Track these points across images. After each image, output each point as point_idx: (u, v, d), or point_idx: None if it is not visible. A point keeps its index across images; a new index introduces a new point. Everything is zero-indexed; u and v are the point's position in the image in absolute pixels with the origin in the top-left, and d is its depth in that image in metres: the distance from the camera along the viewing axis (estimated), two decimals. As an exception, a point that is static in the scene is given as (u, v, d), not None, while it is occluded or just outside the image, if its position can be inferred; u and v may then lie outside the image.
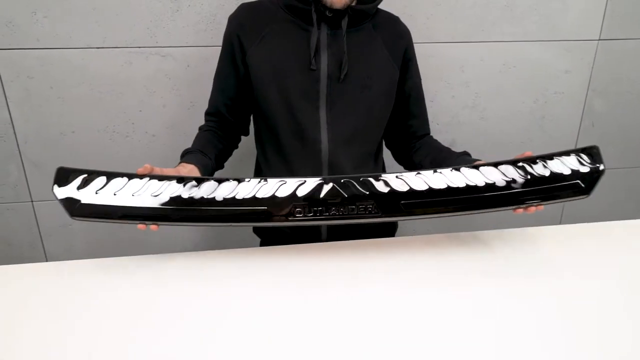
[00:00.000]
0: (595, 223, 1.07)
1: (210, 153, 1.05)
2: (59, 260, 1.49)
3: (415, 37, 1.41)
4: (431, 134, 1.20)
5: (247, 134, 1.17)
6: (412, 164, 1.17)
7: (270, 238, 1.19)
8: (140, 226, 0.85)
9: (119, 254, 0.92)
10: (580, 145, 1.61)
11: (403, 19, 1.38)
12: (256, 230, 1.21)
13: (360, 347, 0.71)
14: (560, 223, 1.76)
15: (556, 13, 1.44)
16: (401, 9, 1.38)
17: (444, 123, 1.53)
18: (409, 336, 0.73)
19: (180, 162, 0.98)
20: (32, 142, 1.36)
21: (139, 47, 1.31)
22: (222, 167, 1.13)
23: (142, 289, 0.83)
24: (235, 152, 1.20)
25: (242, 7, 1.07)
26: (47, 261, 1.49)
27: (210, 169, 1.04)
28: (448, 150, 1.11)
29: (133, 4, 1.26)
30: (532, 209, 0.88)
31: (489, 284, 0.85)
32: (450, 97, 1.50)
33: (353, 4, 1.03)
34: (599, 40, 1.50)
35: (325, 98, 1.03)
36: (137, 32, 1.29)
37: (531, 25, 1.45)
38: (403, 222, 1.53)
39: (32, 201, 1.43)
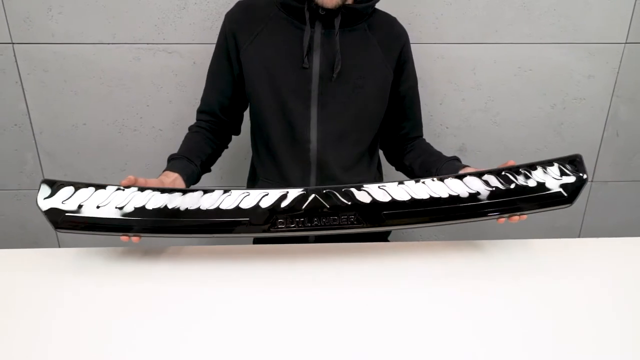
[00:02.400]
0: (612, 238, 1.00)
1: (196, 159, 1.04)
2: (70, 246, 1.56)
3: (424, 38, 1.38)
4: (424, 137, 1.19)
5: (238, 133, 1.17)
6: (402, 166, 1.17)
7: (262, 237, 1.19)
8: (123, 238, 0.84)
9: (126, 243, 0.92)
10: (603, 155, 1.53)
11: (412, 19, 1.35)
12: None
13: (348, 348, 0.70)
14: (579, 236, 1.67)
15: (578, 14, 1.36)
16: (410, 9, 1.35)
17: (453, 127, 1.48)
18: (396, 339, 0.72)
19: (164, 170, 0.98)
20: (46, 132, 1.43)
21: (147, 44, 1.34)
22: (209, 170, 1.12)
23: (139, 279, 0.86)
24: (230, 152, 1.21)
25: (239, 5, 1.08)
26: (59, 247, 1.57)
27: (196, 175, 1.04)
28: (439, 154, 1.10)
29: (142, 1, 1.30)
30: (516, 218, 0.86)
31: (478, 293, 0.82)
32: (461, 100, 1.45)
33: (348, 1, 1.01)
34: (626, 43, 1.40)
35: (316, 97, 1.03)
36: (145, 29, 1.32)
37: (549, 26, 1.37)
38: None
39: (46, 189, 1.50)
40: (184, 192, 0.86)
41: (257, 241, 1.23)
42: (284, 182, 1.09)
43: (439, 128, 1.48)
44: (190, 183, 1.02)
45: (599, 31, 1.39)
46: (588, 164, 1.53)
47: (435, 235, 1.64)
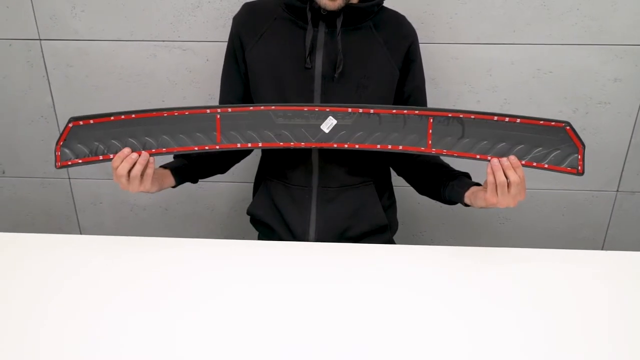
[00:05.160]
0: (637, 252, 0.95)
1: (194, 157, 1.09)
2: (91, 234, 1.64)
3: (437, 38, 1.35)
4: None
5: None
6: (404, 171, 1.15)
7: (266, 233, 1.20)
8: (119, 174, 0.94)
9: (140, 232, 1.06)
10: (630, 163, 1.44)
11: (425, 19, 1.33)
12: (253, 222, 1.23)
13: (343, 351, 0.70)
14: (603, 249, 1.58)
15: (603, 14, 1.29)
16: (423, 8, 1.32)
17: (467, 129, 1.44)
18: (394, 346, 0.71)
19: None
20: (70, 124, 1.50)
21: (163, 41, 1.38)
22: (222, 171, 1.18)
23: (150, 268, 0.90)
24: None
25: (244, 7, 1.11)
26: (80, 234, 1.65)
27: (188, 168, 1.08)
28: (447, 167, 1.09)
29: (158, -1, 1.34)
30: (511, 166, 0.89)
31: (485, 303, 0.80)
32: (475, 102, 1.41)
33: (353, 1, 1.01)
34: (657, 45, 1.32)
35: (319, 97, 1.04)
36: (161, 26, 1.37)
37: (572, 27, 1.31)
38: (409, 228, 1.47)
39: (69, 178, 1.58)
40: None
41: (262, 238, 1.24)
42: (287, 182, 1.10)
43: (452, 130, 1.44)
44: (181, 175, 1.07)
45: (627, 32, 1.31)
46: (613, 172, 1.47)
47: (447, 240, 1.60)
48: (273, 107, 0.96)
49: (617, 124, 1.41)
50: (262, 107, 0.96)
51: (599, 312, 0.77)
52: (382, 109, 0.95)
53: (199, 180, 1.15)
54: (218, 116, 0.96)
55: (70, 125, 0.95)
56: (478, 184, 1.00)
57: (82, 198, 1.61)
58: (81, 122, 0.95)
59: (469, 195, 0.98)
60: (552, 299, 0.80)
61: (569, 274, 0.87)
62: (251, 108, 0.96)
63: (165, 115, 0.96)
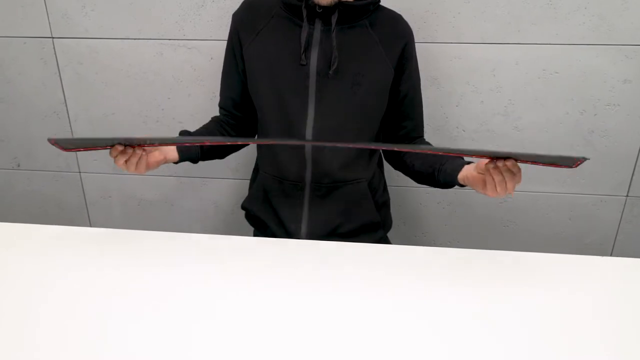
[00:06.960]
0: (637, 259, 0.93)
1: (196, 136, 1.09)
2: (100, 226, 1.69)
3: (440, 37, 1.34)
4: (424, 137, 1.16)
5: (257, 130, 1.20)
6: (402, 165, 1.15)
7: (260, 228, 1.22)
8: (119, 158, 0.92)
9: (146, 225, 1.12)
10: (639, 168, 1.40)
11: (427, 18, 1.32)
12: (248, 217, 1.25)
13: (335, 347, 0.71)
14: (611, 255, 1.54)
15: (612, 13, 1.25)
16: (425, 7, 1.31)
17: (470, 130, 1.42)
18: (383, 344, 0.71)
19: None
20: (81, 120, 1.55)
21: (169, 40, 1.41)
22: (221, 155, 1.17)
23: (153, 263, 0.93)
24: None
25: (244, 4, 1.12)
26: (90, 226, 1.70)
27: (192, 150, 1.08)
28: (441, 154, 1.06)
29: (164, -1, 1.37)
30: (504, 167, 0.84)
31: (482, 307, 0.79)
32: (479, 103, 1.39)
33: None
34: (670, 45, 1.27)
35: (314, 94, 1.05)
36: (167, 25, 1.40)
37: (579, 26, 1.28)
38: (411, 229, 1.46)
39: (79, 172, 1.63)
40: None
41: (256, 234, 1.26)
42: (280, 177, 1.12)
43: (455, 130, 1.43)
44: (184, 154, 1.07)
45: (637, 32, 1.27)
46: (623, 176, 1.43)
47: (449, 241, 1.59)
48: (251, 143, 0.96)
49: (626, 127, 1.37)
50: (239, 142, 0.96)
51: (603, 318, 0.75)
52: (379, 147, 0.93)
53: (200, 161, 1.13)
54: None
55: (52, 142, 0.88)
56: (470, 163, 0.98)
57: (92, 192, 1.65)
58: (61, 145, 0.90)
59: (462, 178, 0.97)
60: (554, 304, 0.78)
61: (573, 280, 0.85)
62: (228, 143, 0.96)
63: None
